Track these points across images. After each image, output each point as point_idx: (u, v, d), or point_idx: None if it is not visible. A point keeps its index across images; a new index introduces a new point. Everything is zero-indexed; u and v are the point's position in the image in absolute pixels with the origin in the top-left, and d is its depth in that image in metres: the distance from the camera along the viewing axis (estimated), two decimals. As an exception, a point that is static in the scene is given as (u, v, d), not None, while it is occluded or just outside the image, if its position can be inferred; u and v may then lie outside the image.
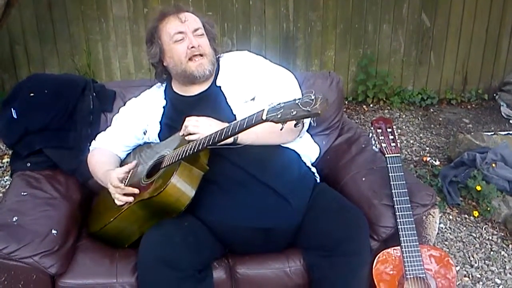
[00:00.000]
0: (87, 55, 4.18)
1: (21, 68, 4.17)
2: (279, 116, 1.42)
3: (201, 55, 1.94)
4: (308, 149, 2.10)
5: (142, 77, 4.23)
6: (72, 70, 4.13)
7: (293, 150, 1.99)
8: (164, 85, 2.12)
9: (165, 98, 2.07)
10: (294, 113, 1.40)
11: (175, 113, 1.99)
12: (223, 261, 1.85)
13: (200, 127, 1.75)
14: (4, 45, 4.06)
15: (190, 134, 1.76)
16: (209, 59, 1.96)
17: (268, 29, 4.31)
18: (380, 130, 1.95)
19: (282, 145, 1.95)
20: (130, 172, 1.89)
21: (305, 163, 2.04)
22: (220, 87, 1.99)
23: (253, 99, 1.94)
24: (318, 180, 2.08)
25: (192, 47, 1.93)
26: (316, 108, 1.38)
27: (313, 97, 1.40)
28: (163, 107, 2.05)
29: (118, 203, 1.82)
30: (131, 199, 1.78)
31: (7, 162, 3.47)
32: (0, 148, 3.66)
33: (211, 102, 1.96)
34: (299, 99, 1.42)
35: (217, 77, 2.02)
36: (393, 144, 1.92)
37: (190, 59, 1.93)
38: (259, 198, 1.79)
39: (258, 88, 1.96)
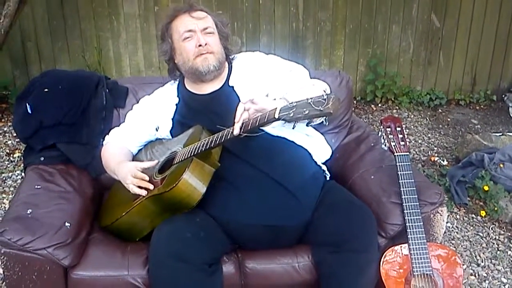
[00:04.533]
0: (97, 52, 4.21)
1: (32, 64, 4.20)
2: (291, 115, 1.43)
3: (208, 53, 1.95)
4: (320, 150, 2.10)
5: (151, 75, 4.25)
6: (83, 67, 4.15)
7: (306, 150, 2.00)
8: (177, 82, 2.14)
9: (178, 96, 2.09)
10: (306, 112, 1.41)
11: (188, 111, 2.02)
12: (233, 255, 1.87)
13: (260, 103, 1.64)
14: (16, 42, 4.09)
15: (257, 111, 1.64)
16: (216, 57, 1.97)
17: (277, 28, 4.33)
18: (389, 129, 1.97)
19: (295, 143, 1.97)
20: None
21: (315, 162, 2.04)
22: (233, 87, 2.01)
23: (267, 96, 1.94)
24: (328, 178, 2.09)
25: (200, 45, 1.94)
26: (328, 108, 1.39)
27: (325, 97, 1.41)
28: (176, 104, 2.07)
29: (132, 192, 1.82)
30: (144, 192, 1.79)
31: (18, 157, 3.50)
32: (12, 143, 3.70)
33: (223, 101, 1.96)
34: (311, 98, 1.42)
35: (230, 77, 2.04)
36: (402, 143, 1.94)
37: (197, 56, 1.95)
38: (269, 195, 1.81)
39: (271, 83, 1.97)
